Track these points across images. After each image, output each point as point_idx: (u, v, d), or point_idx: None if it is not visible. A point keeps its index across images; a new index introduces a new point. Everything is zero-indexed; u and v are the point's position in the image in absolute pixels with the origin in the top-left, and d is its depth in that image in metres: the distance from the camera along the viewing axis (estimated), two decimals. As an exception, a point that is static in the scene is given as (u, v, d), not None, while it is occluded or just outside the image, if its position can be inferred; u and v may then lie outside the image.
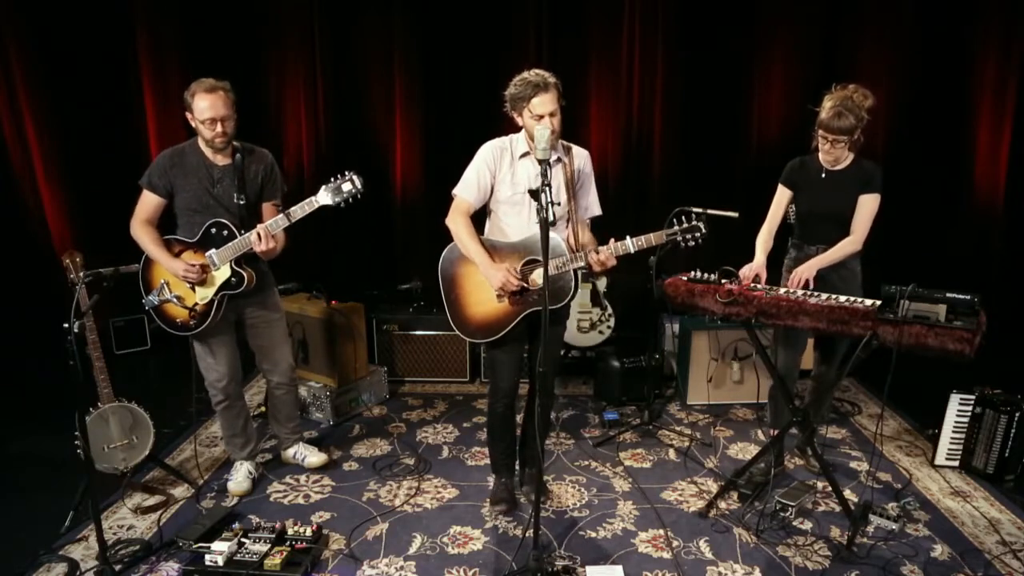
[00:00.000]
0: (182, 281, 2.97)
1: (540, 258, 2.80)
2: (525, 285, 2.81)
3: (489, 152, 2.87)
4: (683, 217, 2.72)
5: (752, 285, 2.93)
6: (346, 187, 2.85)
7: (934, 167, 4.99)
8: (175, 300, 2.99)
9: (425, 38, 5.18)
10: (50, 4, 4.63)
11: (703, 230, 2.67)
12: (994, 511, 3.12)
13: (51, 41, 4.68)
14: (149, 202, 2.99)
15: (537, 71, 2.71)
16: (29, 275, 4.69)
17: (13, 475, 3.39)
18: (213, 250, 2.95)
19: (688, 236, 2.68)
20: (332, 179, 2.86)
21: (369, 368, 4.36)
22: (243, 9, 5.16)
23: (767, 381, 3.46)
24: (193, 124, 2.92)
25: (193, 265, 2.93)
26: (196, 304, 3.00)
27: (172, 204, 3.01)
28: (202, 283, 2.98)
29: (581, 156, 2.96)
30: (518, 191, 2.87)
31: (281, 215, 2.89)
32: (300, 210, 2.89)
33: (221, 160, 3.00)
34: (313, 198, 2.88)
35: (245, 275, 2.98)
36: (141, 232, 2.99)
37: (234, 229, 2.94)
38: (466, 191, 2.88)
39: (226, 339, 3.14)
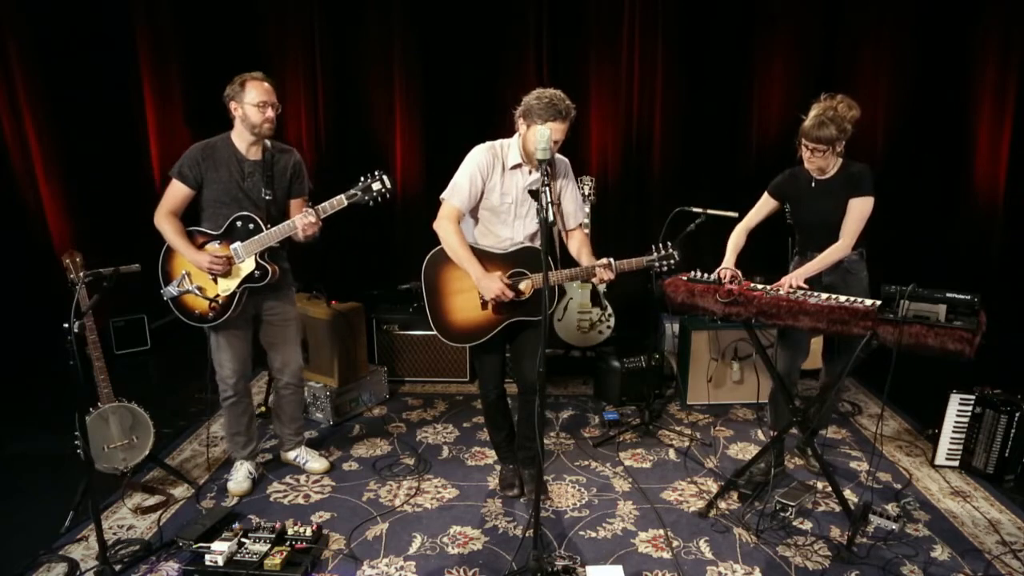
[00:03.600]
0: (206, 273, 2.99)
1: (526, 270, 2.86)
2: (520, 295, 2.84)
3: (482, 158, 2.86)
4: (660, 245, 2.95)
5: (752, 285, 2.93)
6: (376, 186, 2.95)
7: (934, 167, 4.99)
8: (196, 291, 3.02)
9: (425, 39, 5.19)
10: (50, 4, 4.63)
11: (676, 258, 2.96)
12: (994, 511, 3.12)
13: (51, 41, 4.67)
14: (177, 193, 3.00)
15: (564, 98, 2.72)
16: (29, 275, 4.69)
17: (13, 475, 3.39)
18: (238, 243, 2.98)
19: (663, 263, 2.95)
20: (362, 179, 2.95)
21: (369, 368, 4.36)
22: (243, 9, 5.16)
23: (767, 381, 3.46)
24: (238, 113, 2.95)
25: (219, 257, 2.96)
26: (218, 296, 3.03)
27: (199, 196, 3.03)
28: (225, 275, 3.01)
29: (562, 164, 2.98)
30: (506, 201, 2.89)
31: (323, 204, 2.95)
32: (329, 206, 2.97)
33: (253, 155, 3.04)
34: (342, 196, 2.95)
35: (269, 269, 3.03)
36: (165, 223, 3.00)
37: (260, 223, 2.98)
38: (457, 197, 2.87)
39: (242, 335, 3.17)
